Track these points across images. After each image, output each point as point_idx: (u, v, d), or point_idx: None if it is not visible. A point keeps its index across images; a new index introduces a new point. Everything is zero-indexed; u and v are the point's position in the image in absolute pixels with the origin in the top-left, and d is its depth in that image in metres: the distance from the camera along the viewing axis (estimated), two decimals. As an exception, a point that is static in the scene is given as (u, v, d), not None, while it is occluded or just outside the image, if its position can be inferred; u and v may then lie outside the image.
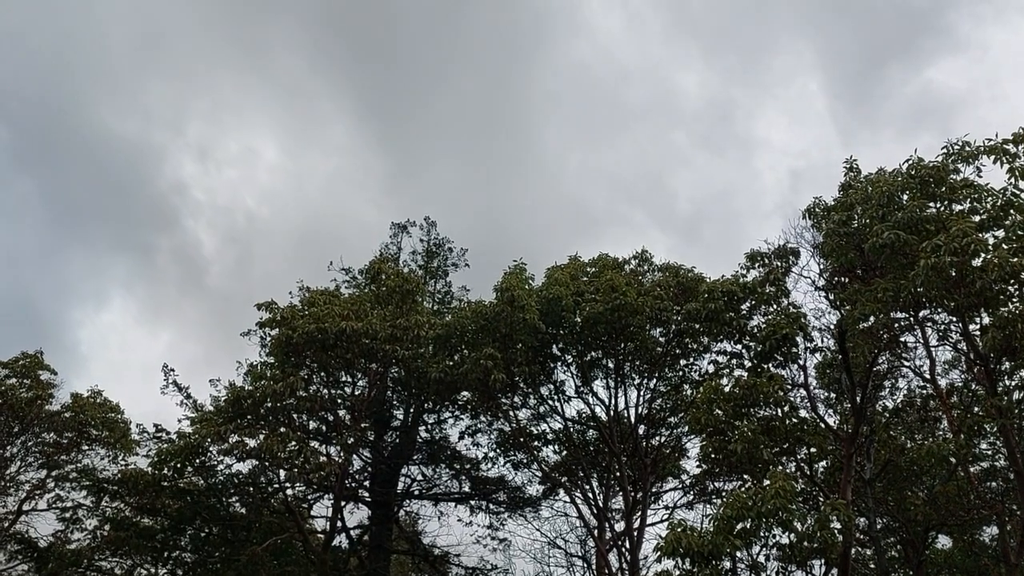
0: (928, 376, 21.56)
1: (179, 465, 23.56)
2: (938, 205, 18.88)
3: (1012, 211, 17.47)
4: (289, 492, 27.16)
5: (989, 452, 24.33)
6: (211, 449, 24.09)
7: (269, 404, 24.34)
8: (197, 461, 24.10)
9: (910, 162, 19.18)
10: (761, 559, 20.32)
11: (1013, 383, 20.31)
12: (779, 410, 20.76)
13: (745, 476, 21.24)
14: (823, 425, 22.40)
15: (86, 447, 30.04)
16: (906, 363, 23.02)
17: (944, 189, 18.65)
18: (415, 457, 29.79)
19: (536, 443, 27.87)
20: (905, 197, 19.06)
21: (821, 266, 21.66)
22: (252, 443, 24.01)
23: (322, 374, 25.81)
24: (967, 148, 18.63)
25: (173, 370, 26.85)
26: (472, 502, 30.24)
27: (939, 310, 19.68)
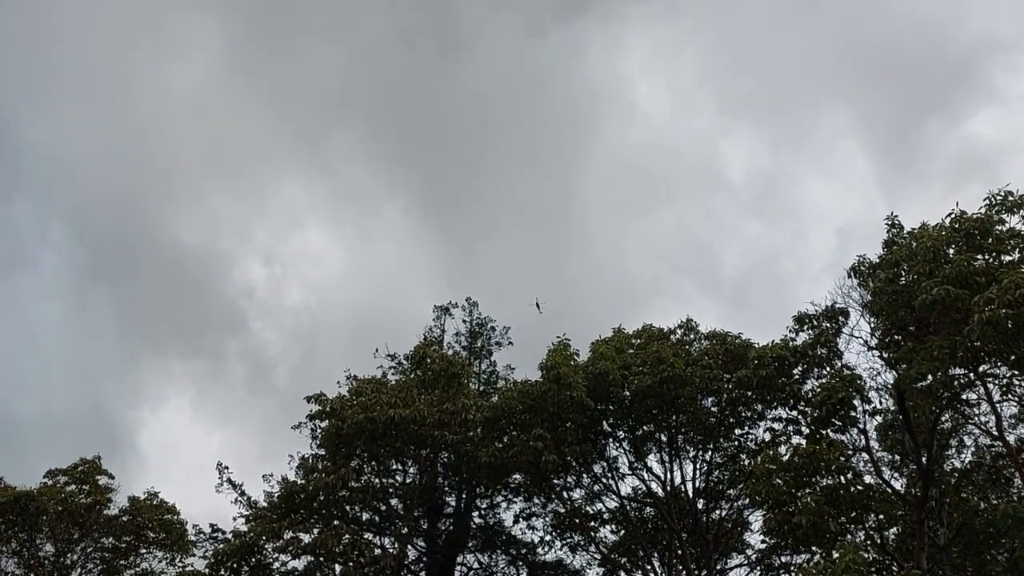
0: (995, 432, 20.74)
1: (235, 565, 23.48)
2: (986, 257, 18.57)
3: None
4: (345, 587, 26.79)
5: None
6: (266, 547, 23.99)
7: (322, 497, 24.31)
8: (253, 560, 23.98)
9: (953, 216, 18.98)
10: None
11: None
12: (842, 478, 20.14)
13: (813, 548, 20.45)
14: (890, 491, 21.62)
15: (144, 550, 30.12)
16: (971, 420, 22.22)
17: (991, 240, 18.38)
18: (470, 544, 29.26)
19: (592, 523, 27.25)
20: (951, 251, 18.84)
21: (872, 325, 21.33)
22: (306, 538, 23.91)
23: (373, 463, 25.78)
24: (1010, 198, 18.42)
25: (227, 468, 27.06)
26: (531, 588, 29.45)
27: (999, 364, 19.11)
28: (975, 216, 18.66)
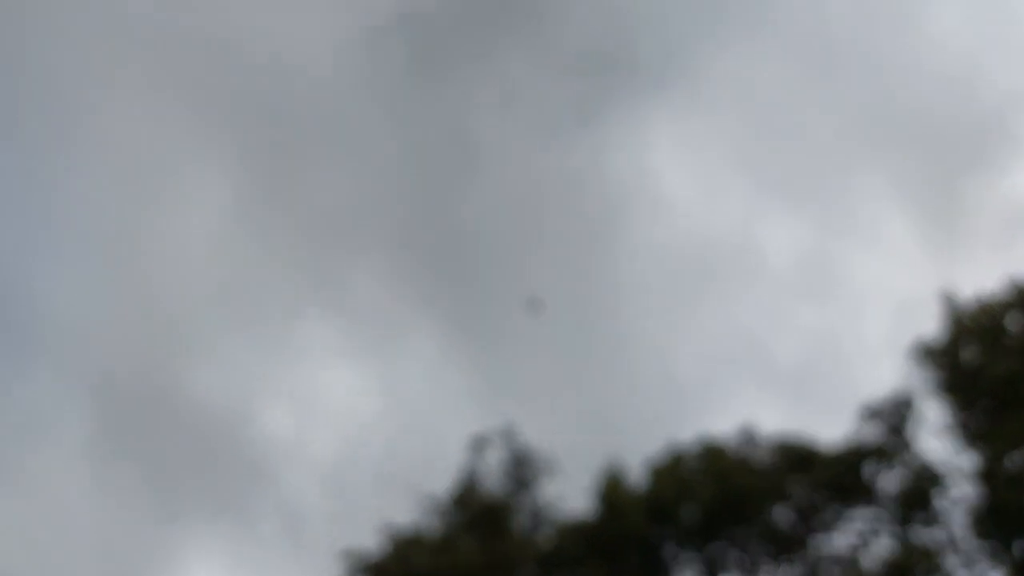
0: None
1: None
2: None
3: None
4: None
5: None
6: None
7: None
8: None
9: (1006, 284, 18.39)
10: None
11: None
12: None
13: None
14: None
15: None
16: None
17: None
18: None
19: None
20: (1009, 321, 18.23)
21: (940, 407, 20.34)
22: None
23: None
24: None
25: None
26: None
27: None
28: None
